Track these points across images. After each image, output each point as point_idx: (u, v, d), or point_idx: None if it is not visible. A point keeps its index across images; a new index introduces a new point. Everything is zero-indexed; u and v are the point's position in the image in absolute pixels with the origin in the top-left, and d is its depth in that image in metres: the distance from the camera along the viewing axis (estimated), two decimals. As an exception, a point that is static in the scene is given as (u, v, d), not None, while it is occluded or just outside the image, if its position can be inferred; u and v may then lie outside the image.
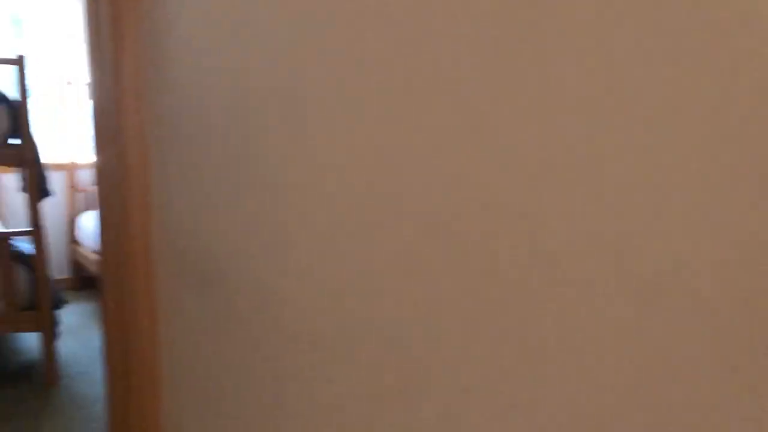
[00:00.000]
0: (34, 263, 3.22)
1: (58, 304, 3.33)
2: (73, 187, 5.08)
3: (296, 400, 0.96)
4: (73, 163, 5.08)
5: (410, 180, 0.70)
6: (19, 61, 3.08)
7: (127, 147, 1.47)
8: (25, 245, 3.34)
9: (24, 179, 3.57)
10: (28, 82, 3.13)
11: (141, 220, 1.50)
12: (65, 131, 5.05)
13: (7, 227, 4.72)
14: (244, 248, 1.09)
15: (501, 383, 0.61)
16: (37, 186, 3.20)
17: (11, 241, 3.18)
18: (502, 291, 0.60)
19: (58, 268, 5.08)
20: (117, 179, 1.52)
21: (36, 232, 3.19)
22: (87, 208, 5.17)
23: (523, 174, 0.57)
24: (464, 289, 0.64)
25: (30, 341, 3.88)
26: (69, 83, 5.00)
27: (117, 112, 1.47)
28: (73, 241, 5.06)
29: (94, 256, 4.56)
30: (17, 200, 4.88)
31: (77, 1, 5.06)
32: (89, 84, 1.64)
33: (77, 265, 5.08)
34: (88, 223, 4.80)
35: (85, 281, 5.11)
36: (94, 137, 1.64)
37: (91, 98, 1.64)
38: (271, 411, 1.05)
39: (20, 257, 3.22)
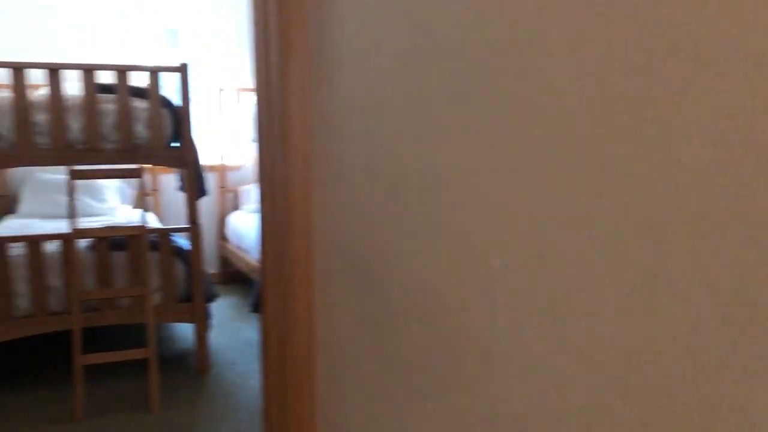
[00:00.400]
0: (190, 258, 3.43)
1: (211, 297, 3.53)
2: (222, 188, 5.39)
3: (463, 414, 0.94)
4: (223, 164, 5.38)
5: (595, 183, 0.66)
6: (182, 69, 3.30)
7: (291, 149, 1.52)
8: (182, 241, 3.58)
9: (182, 179, 3.82)
10: (189, 89, 3.35)
11: (302, 219, 1.55)
12: (216, 135, 5.36)
13: (164, 224, 5.08)
14: (408, 250, 1.08)
15: (712, 410, 0.56)
16: (195, 186, 3.41)
17: (171, 237, 3.42)
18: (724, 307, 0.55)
19: (208, 263, 5.40)
20: (280, 179, 1.57)
21: (193, 229, 3.41)
22: (235, 208, 5.46)
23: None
24: (676, 302, 0.59)
25: (183, 331, 4.14)
26: (221, 90, 5.31)
27: (282, 116, 1.52)
28: (222, 238, 5.37)
29: (240, 253, 4.81)
30: (175, 199, 5.24)
31: (229, 14, 5.36)
32: (254, 89, 1.71)
33: (225, 261, 5.38)
34: (237, 222, 5.06)
35: (231, 276, 5.40)
36: (258, 139, 1.71)
37: (256, 103, 1.71)
38: (432, 420, 1.04)
39: (178, 252, 3.45)
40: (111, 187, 4.88)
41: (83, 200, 4.67)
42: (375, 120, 1.19)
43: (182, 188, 3.82)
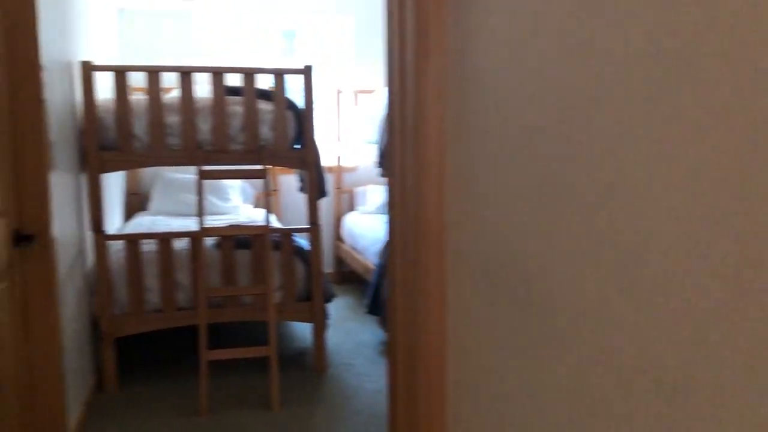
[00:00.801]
0: (310, 258, 3.46)
1: (329, 297, 3.55)
2: (338, 188, 5.44)
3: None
4: (339, 166, 5.43)
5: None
6: (305, 71, 3.33)
7: (424, 151, 1.47)
8: (302, 241, 3.62)
9: (303, 181, 3.87)
10: (312, 91, 3.37)
11: (435, 223, 1.48)
12: (333, 136, 5.41)
13: (283, 224, 5.18)
14: (567, 263, 0.99)
15: None
16: (316, 187, 3.43)
17: (292, 237, 3.46)
18: None
19: (324, 262, 5.47)
20: (412, 181, 1.52)
21: (313, 230, 3.43)
22: (351, 209, 5.49)
23: None
24: None
25: (300, 330, 4.20)
26: (339, 92, 5.36)
27: (416, 118, 1.47)
28: (338, 238, 5.42)
29: (355, 254, 4.83)
30: (293, 199, 5.34)
31: (347, 15, 5.40)
32: (387, 90, 1.66)
33: (340, 261, 5.42)
34: (352, 223, 5.09)
35: (345, 276, 5.44)
36: (389, 140, 1.66)
37: (387, 104, 1.67)
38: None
39: (299, 252, 3.49)
40: (234, 186, 5.04)
41: (209, 199, 4.84)
42: (524, 123, 1.11)
43: (303, 189, 3.87)
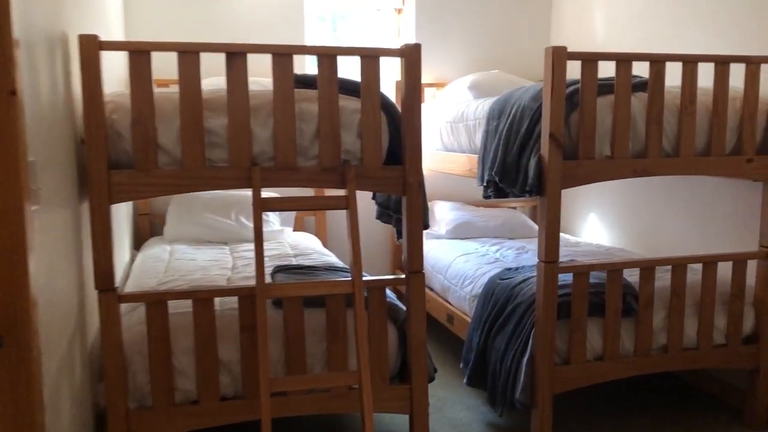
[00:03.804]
0: (406, 322, 2.42)
1: (431, 376, 2.51)
2: (397, 206, 4.39)
3: None
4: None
5: None
6: (409, 53, 2.28)
7: None
8: (389, 293, 2.57)
9: (383, 204, 2.83)
10: (419, 82, 2.32)
11: None
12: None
13: (329, 249, 4.08)
14: None
15: None
16: (420, 217, 2.38)
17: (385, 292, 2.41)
18: None
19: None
20: None
21: (415, 281, 2.39)
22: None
23: None
24: None
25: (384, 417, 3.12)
26: (400, 84, 4.31)
27: None
28: (398, 267, 4.36)
29: (428, 293, 3.79)
30: (341, 220, 4.26)
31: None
32: None
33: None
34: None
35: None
36: None
37: None
38: None
39: (391, 313, 2.45)
40: (272, 205, 3.98)
41: (239, 221, 3.80)
42: None
43: (385, 217, 2.83)
